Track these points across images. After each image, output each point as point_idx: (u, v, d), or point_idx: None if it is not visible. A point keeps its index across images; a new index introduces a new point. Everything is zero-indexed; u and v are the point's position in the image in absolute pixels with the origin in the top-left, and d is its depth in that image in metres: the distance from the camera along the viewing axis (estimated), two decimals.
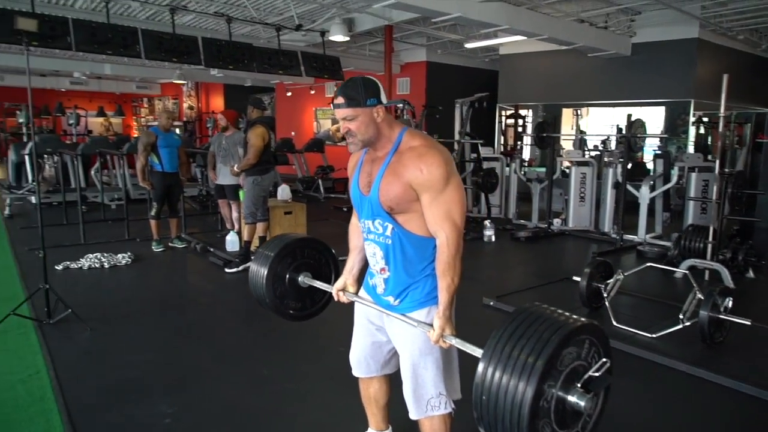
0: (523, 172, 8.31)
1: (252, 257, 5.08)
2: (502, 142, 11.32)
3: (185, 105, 17.95)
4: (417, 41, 11.41)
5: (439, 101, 9.74)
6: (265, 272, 2.07)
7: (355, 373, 2.05)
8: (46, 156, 9.68)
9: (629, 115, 6.08)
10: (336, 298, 1.99)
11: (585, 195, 7.15)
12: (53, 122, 13.68)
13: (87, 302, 3.99)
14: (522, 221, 7.75)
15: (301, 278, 2.13)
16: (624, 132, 6.14)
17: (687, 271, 3.74)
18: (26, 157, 9.40)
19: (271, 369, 3.02)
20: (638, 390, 2.86)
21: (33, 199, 9.00)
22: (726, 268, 4.52)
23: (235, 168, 5.00)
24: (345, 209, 8.88)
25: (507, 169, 8.29)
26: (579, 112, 12.10)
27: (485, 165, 7.88)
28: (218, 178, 5.68)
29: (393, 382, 2.00)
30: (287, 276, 2.12)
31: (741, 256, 4.75)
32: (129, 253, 5.43)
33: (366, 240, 1.84)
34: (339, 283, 1.99)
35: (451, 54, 11.80)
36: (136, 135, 16.38)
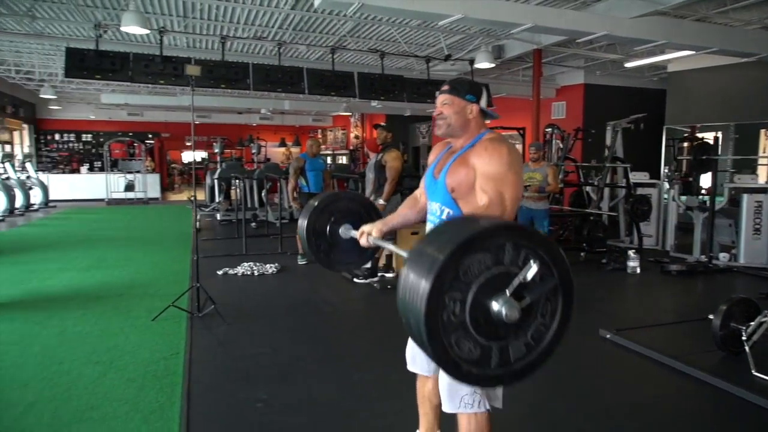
0: (682, 200, 7.42)
1: (378, 274, 5.44)
2: (672, 167, 10.21)
3: (352, 134, 19.51)
4: (573, 63, 10.97)
5: (598, 125, 9.18)
6: (305, 223, 2.18)
7: (410, 368, 2.15)
8: (232, 180, 11.31)
9: None
10: (358, 236, 2.10)
11: (761, 227, 6.13)
12: (242, 152, 15.95)
13: (231, 302, 4.65)
14: (681, 255, 6.90)
15: (342, 230, 2.22)
16: None
17: None
18: (215, 181, 11.16)
19: (362, 375, 3.22)
20: None
21: (218, 216, 10.64)
22: None
23: (381, 201, 5.25)
24: None
25: (665, 196, 7.49)
26: None
27: (639, 191, 7.23)
28: None
29: None
30: (328, 231, 2.22)
31: None
32: (276, 264, 6.15)
33: (428, 221, 2.02)
34: (367, 227, 2.10)
35: (611, 75, 11.09)
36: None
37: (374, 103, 14.09)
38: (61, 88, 13.93)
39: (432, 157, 2.08)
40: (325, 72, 8.76)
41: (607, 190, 7.96)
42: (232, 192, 11.98)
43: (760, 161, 9.51)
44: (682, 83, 10.04)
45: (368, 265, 5.89)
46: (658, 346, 3.56)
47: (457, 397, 1.82)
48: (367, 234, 2.09)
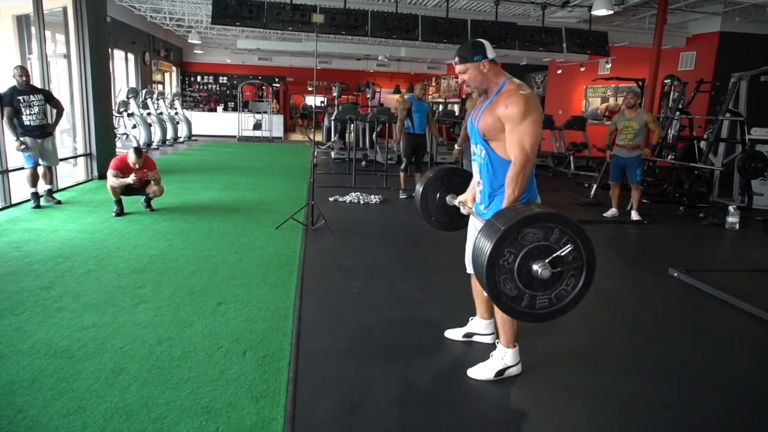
0: None
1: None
2: None
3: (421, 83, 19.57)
4: (709, 9, 10.15)
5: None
6: (420, 189, 2.87)
7: (468, 271, 2.71)
8: (347, 122, 12.17)
9: None
10: (458, 204, 2.64)
11: None
12: (357, 98, 16.83)
13: (338, 221, 5.47)
14: None
15: (448, 198, 2.85)
16: None
17: None
18: (332, 123, 12.10)
19: (440, 279, 3.85)
20: None
21: (332, 154, 11.63)
22: None
23: (456, 147, 5.83)
24: (586, 185, 8.87)
25: None
26: None
27: (758, 147, 6.87)
28: None
29: None
30: (437, 195, 2.89)
31: None
32: (380, 196, 6.89)
33: (472, 161, 2.47)
34: (462, 197, 2.66)
35: (754, 21, 10.12)
36: None
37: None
38: (204, 34, 15.59)
39: (470, 108, 2.52)
40: (439, 19, 9.09)
41: (722, 146, 7.61)
42: (346, 134, 12.91)
43: None
44: None
45: None
46: (730, 288, 3.73)
47: None
48: (463, 204, 2.60)
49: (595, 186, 7.45)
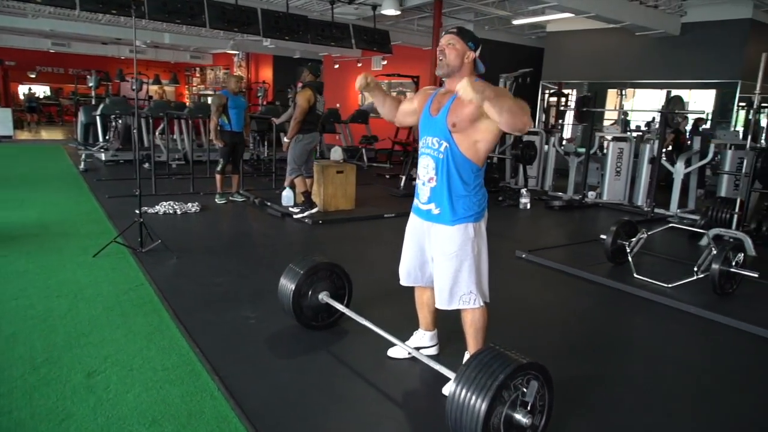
0: (561, 148, 8.57)
1: (309, 206, 5.65)
2: (543, 119, 11.54)
3: (236, 75, 18.65)
4: (465, 17, 11.62)
5: (488, 77, 9.97)
6: (293, 287, 2.73)
7: (403, 282, 2.54)
8: (113, 117, 10.42)
9: (668, 92, 6.29)
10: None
11: (621, 170, 7.41)
12: (114, 88, 14.56)
13: (169, 238, 4.61)
14: (558, 193, 8.06)
15: (320, 296, 2.78)
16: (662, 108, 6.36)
17: (707, 232, 4.07)
18: (97, 118, 10.22)
19: None
20: (654, 326, 3.31)
21: (103, 156, 9.84)
22: (750, 238, 4.79)
23: (285, 139, 5.55)
24: (387, 176, 9.37)
25: (546, 145, 8.57)
26: (624, 92, 12.13)
27: (525, 138, 8.18)
28: None
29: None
30: (309, 292, 2.79)
31: (765, 227, 5.00)
32: (197, 203, 6.08)
33: (421, 155, 2.30)
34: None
35: (498, 30, 11.96)
36: (188, 103, 17.25)
37: (266, 43, 13.64)
38: None
39: (422, 100, 2.38)
40: (227, 5, 8.39)
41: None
42: (113, 132, 11.07)
43: (607, 115, 11.16)
44: (557, 43, 11.23)
45: (292, 204, 6.14)
46: (563, 261, 4.39)
47: (456, 297, 2.27)
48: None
49: (404, 178, 7.90)
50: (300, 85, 5.80)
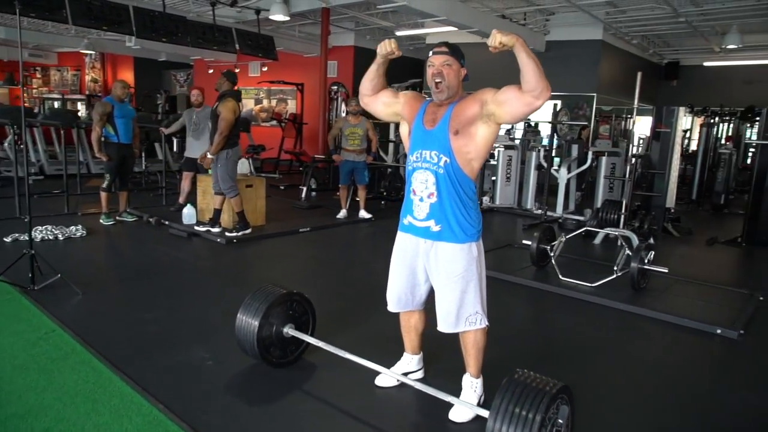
0: None
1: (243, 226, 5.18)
2: None
3: (88, 77, 16.74)
4: (346, 26, 11.68)
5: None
6: (255, 326, 2.51)
7: (393, 309, 2.44)
8: None
9: (555, 104, 6.90)
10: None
11: (510, 176, 7.96)
12: None
13: (63, 270, 3.92)
14: None
15: (285, 330, 2.60)
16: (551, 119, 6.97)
17: (622, 234, 4.55)
18: None
19: None
20: (583, 322, 3.58)
21: None
22: (634, 234, 5.43)
23: (209, 155, 5.01)
24: (282, 188, 9.06)
25: None
26: None
27: None
28: (189, 152, 5.82)
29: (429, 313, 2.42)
30: (273, 328, 2.59)
31: (646, 225, 5.71)
32: (80, 226, 5.30)
33: (418, 169, 2.18)
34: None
35: (378, 40, 12.17)
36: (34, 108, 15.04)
37: (129, 43, 12.40)
38: None
39: (411, 106, 2.25)
40: (93, 2, 7.47)
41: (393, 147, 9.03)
42: None
43: None
44: None
45: (194, 222, 5.65)
46: (491, 267, 4.56)
47: (463, 318, 2.23)
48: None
49: (305, 189, 7.67)
50: (218, 95, 5.21)
